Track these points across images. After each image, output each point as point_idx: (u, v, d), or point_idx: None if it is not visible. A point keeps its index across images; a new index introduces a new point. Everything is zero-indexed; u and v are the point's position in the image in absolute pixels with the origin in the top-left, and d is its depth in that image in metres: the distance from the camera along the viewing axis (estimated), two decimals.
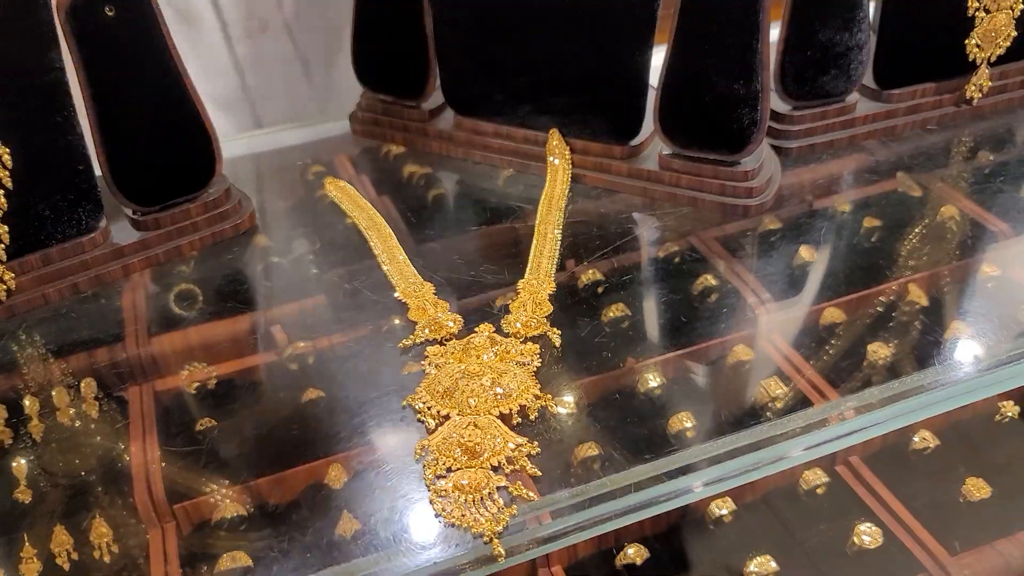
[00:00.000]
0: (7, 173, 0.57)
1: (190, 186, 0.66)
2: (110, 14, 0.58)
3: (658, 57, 0.67)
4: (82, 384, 0.58)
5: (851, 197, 0.71)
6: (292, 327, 0.62)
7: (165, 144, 0.63)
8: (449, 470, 0.47)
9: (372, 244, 0.67)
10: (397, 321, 0.60)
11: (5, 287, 0.60)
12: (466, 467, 0.47)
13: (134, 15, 0.59)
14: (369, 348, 0.59)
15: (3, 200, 0.57)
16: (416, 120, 0.78)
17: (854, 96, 0.75)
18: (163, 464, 0.52)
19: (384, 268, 0.64)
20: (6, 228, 0.58)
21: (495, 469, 0.47)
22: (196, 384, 0.58)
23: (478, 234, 0.69)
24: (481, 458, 0.47)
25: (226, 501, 0.49)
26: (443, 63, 0.74)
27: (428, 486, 0.47)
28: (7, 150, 0.56)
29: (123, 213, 0.66)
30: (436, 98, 0.78)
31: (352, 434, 0.52)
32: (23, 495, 0.53)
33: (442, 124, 0.77)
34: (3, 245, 0.59)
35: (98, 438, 0.56)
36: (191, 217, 0.66)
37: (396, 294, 0.62)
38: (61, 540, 0.49)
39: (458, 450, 0.48)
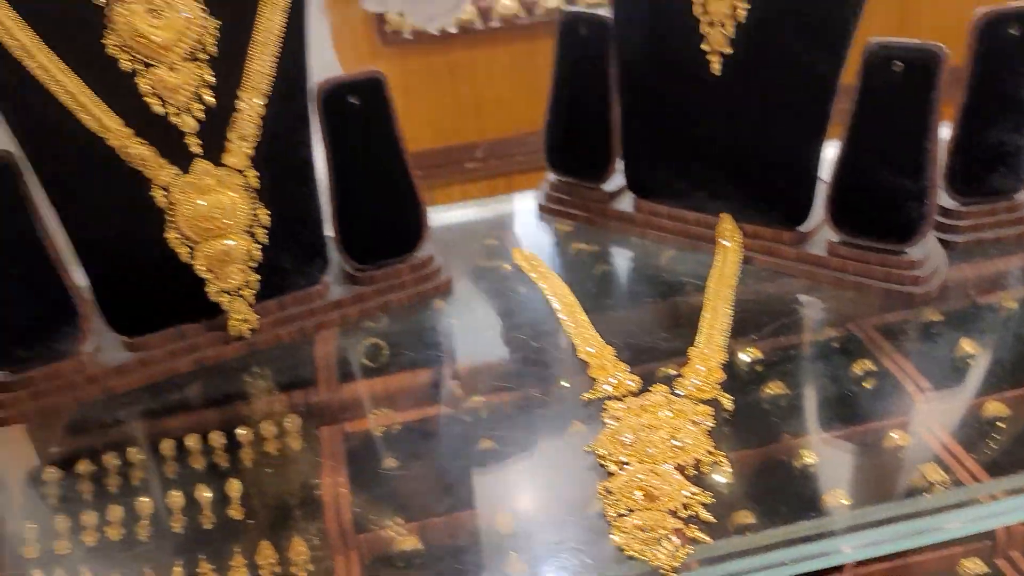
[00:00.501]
0: (264, 231, 0.68)
1: (402, 249, 0.76)
2: (355, 103, 0.70)
3: (829, 149, 0.73)
4: (287, 419, 0.68)
5: (1018, 294, 0.73)
6: (478, 379, 0.69)
7: (387, 212, 0.74)
8: (629, 511, 0.53)
9: (556, 309, 0.75)
10: (578, 378, 0.67)
11: (249, 326, 0.71)
12: (645, 509, 0.53)
13: (373, 103, 0.70)
14: (550, 401, 0.66)
15: (258, 253, 0.69)
16: (596, 200, 0.86)
17: (1023, 194, 0.78)
18: (351, 497, 0.60)
19: (567, 330, 0.72)
20: (257, 277, 0.69)
21: (672, 513, 0.52)
22: (384, 427, 0.66)
23: (652, 305, 0.75)
24: (659, 502, 0.53)
25: (405, 535, 0.56)
26: (628, 151, 0.82)
27: (610, 522, 0.52)
28: (267, 212, 0.68)
29: (344, 269, 0.76)
30: (615, 181, 0.86)
31: (527, 479, 0.59)
32: (236, 512, 0.62)
33: (621, 205, 0.85)
34: (253, 291, 0.70)
35: (297, 468, 0.65)
36: (400, 276, 0.76)
37: (578, 354, 0.69)
38: (266, 555, 0.58)
39: (638, 493, 0.53)
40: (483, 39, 1.83)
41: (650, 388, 0.63)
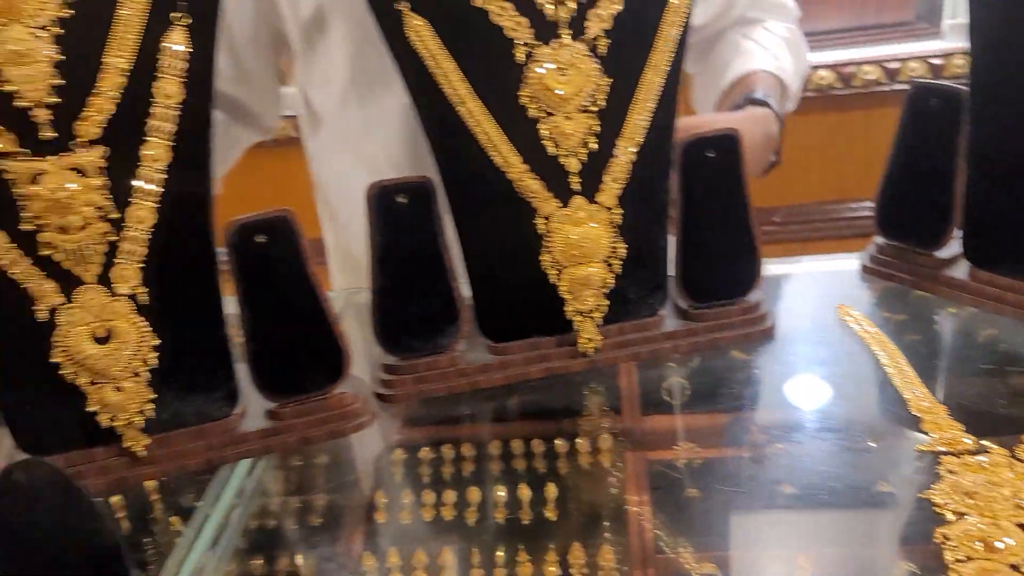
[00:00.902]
0: (619, 262, 0.78)
1: (735, 292, 0.82)
2: (711, 155, 0.78)
3: None
4: (601, 438, 0.75)
5: None
6: (789, 424, 0.73)
7: (726, 256, 0.81)
8: (968, 558, 0.55)
9: (883, 363, 0.77)
10: (903, 430, 0.69)
11: (594, 346, 0.80)
12: (983, 559, 0.54)
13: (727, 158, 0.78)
14: (871, 449, 0.68)
15: (611, 281, 0.78)
16: (927, 266, 0.87)
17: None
18: (652, 518, 0.65)
19: (895, 384, 0.74)
20: (607, 302, 0.79)
21: (1014, 568, 0.53)
22: (686, 460, 0.71)
23: (987, 373, 0.75)
24: (1000, 554, 0.54)
25: (702, 562, 0.60)
26: (971, 222, 0.82)
27: (948, 566, 0.54)
28: (624, 246, 0.77)
29: (678, 305, 0.84)
30: (949, 248, 0.87)
31: (834, 523, 0.61)
32: (551, 513, 0.70)
33: (954, 272, 0.86)
34: (601, 315, 0.79)
35: (605, 483, 0.72)
36: (730, 317, 0.82)
37: (908, 408, 0.71)
38: (577, 555, 0.65)
39: (979, 543, 0.55)
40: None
41: (989, 449, 0.64)
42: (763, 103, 1.05)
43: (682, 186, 0.79)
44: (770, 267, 0.97)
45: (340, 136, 1.05)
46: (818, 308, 0.89)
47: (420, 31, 0.70)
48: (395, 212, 0.75)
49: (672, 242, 0.81)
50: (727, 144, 0.78)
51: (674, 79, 0.75)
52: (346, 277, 1.16)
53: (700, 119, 1.06)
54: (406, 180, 0.76)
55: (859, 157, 1.93)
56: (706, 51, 1.18)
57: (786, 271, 0.98)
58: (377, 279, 0.77)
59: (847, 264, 0.96)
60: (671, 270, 0.82)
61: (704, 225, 0.80)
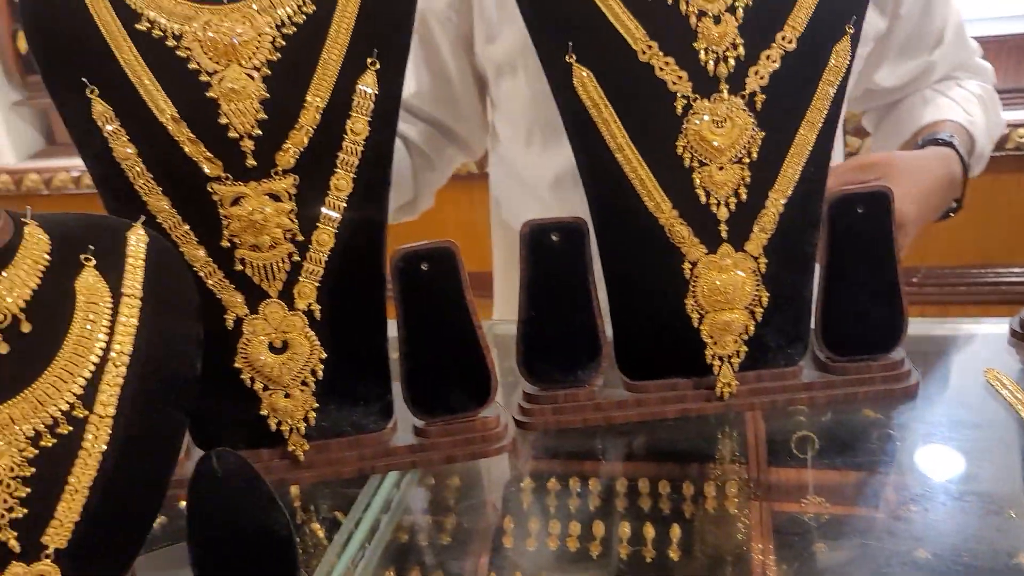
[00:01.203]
0: (761, 310, 0.79)
1: (878, 348, 0.82)
2: (859, 211, 0.79)
3: None
4: (727, 483, 0.76)
5: None
6: (927, 486, 0.72)
7: (872, 309, 0.81)
8: None
9: None
10: None
11: (730, 391, 0.82)
12: None
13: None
14: (1021, 521, 0.67)
15: (752, 328, 0.80)
16: None
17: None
18: (775, 568, 0.65)
19: None
20: (746, 349, 0.80)
21: None
22: (812, 514, 0.71)
23: None
24: None
25: None
26: None
27: None
28: (767, 294, 0.79)
29: (816, 356, 0.84)
30: None
31: None
32: (674, 554, 0.71)
33: None
34: (740, 360, 0.81)
35: (731, 529, 0.73)
36: (870, 372, 0.82)
37: None
38: None
39: None
40: None
41: None
42: (947, 143, 1.04)
43: (829, 240, 0.80)
44: (913, 326, 0.97)
45: (518, 169, 1.12)
46: (962, 371, 0.88)
47: (585, 82, 0.75)
48: (547, 249, 0.80)
49: (816, 293, 0.82)
50: (877, 201, 0.79)
51: (827, 135, 0.77)
52: (507, 304, 1.22)
53: (880, 157, 1.05)
54: (560, 220, 0.80)
55: (1007, 222, 1.87)
56: (893, 106, 1.18)
57: (929, 331, 0.97)
58: (525, 310, 0.82)
59: (993, 328, 0.94)
60: (813, 321, 0.83)
61: (849, 280, 0.81)
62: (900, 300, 0.81)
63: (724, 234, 0.77)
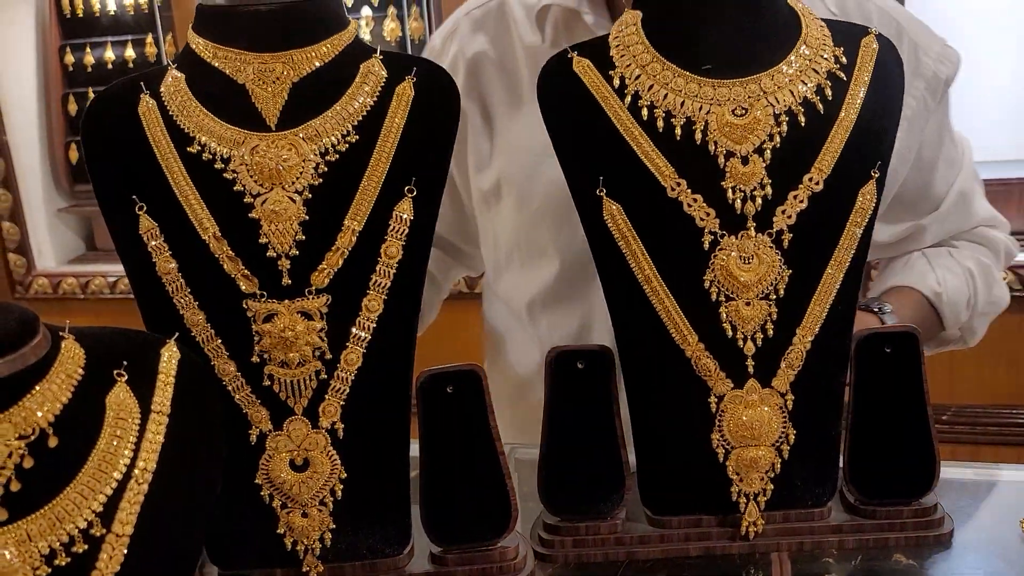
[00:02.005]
0: (788, 448, 0.78)
1: (911, 493, 0.80)
2: (886, 352, 0.79)
3: None
4: None
5: None
6: None
7: (898, 454, 0.80)
8: None
9: None
10: None
11: (756, 530, 0.80)
12: None
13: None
14: None
15: (779, 466, 0.78)
16: None
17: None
18: None
19: None
20: (772, 487, 0.79)
21: None
22: None
23: None
24: None
25: None
26: None
27: None
28: (795, 432, 0.78)
29: (846, 498, 0.82)
30: None
31: None
32: None
33: None
34: (766, 499, 0.79)
35: None
36: (901, 517, 0.80)
37: None
38: None
39: None
40: None
41: None
42: (872, 312, 1.02)
43: (857, 378, 0.80)
44: (946, 470, 0.94)
45: (501, 289, 1.15)
46: (998, 519, 0.85)
47: (615, 215, 0.76)
48: (572, 377, 0.80)
49: (844, 432, 0.81)
50: (905, 341, 0.79)
51: (855, 274, 0.78)
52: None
53: None
54: (586, 347, 0.81)
55: None
56: (888, 262, 1.18)
57: (961, 475, 0.95)
58: (547, 439, 0.81)
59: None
60: (842, 461, 0.82)
61: (878, 420, 0.80)
62: (932, 443, 0.80)
63: (751, 369, 0.77)
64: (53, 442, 0.56)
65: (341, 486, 0.75)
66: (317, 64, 0.74)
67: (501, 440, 0.78)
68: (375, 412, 0.76)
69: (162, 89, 0.75)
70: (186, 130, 0.73)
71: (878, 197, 0.77)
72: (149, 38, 2.25)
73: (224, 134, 0.73)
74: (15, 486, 0.55)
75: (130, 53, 2.28)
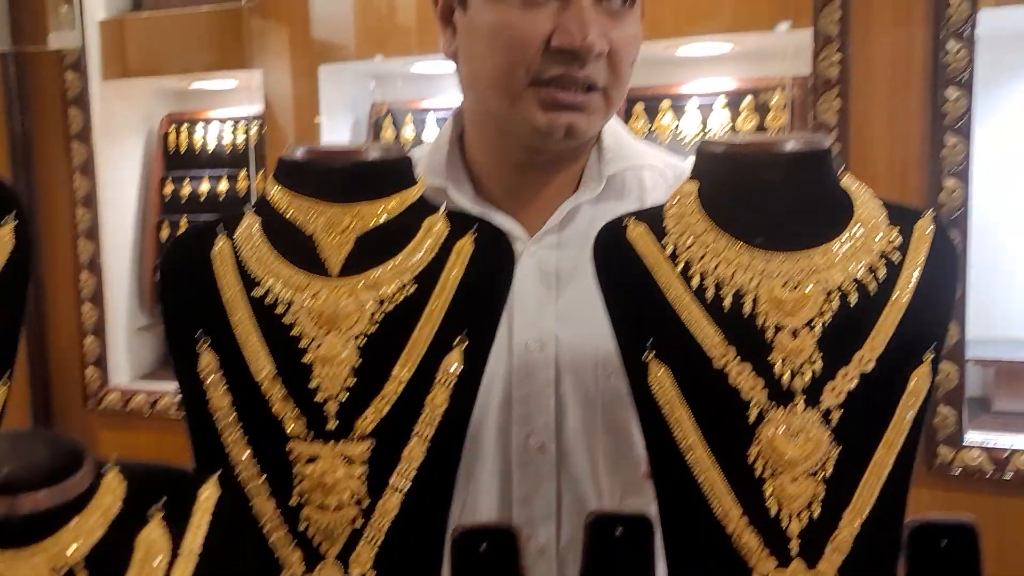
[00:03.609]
0: None
1: None
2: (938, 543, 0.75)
3: None
4: None
5: None
6: None
7: None
8: None
9: None
10: None
11: None
12: None
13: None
14: None
15: None
16: None
17: None
18: None
19: None
20: None
21: None
22: None
23: None
24: None
25: None
26: None
27: None
28: None
29: None
30: None
31: None
32: None
33: None
34: None
35: None
36: None
37: None
38: None
39: None
40: None
41: None
42: None
43: (908, 570, 0.76)
44: None
45: None
46: None
47: (662, 379, 0.76)
48: (612, 543, 0.78)
49: None
50: (963, 535, 0.75)
51: (907, 459, 0.75)
52: None
53: None
54: (627, 513, 0.79)
55: None
56: None
57: None
58: None
59: None
60: None
61: None
62: None
63: (796, 549, 0.74)
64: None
65: None
66: (384, 218, 0.78)
67: None
68: (408, 563, 0.75)
69: (237, 233, 0.80)
70: (253, 274, 0.77)
71: (932, 379, 0.76)
72: (242, 173, 2.40)
73: (290, 278, 0.77)
74: None
75: (223, 187, 2.43)
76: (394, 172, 0.81)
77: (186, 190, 2.44)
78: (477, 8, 0.87)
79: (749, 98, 1.98)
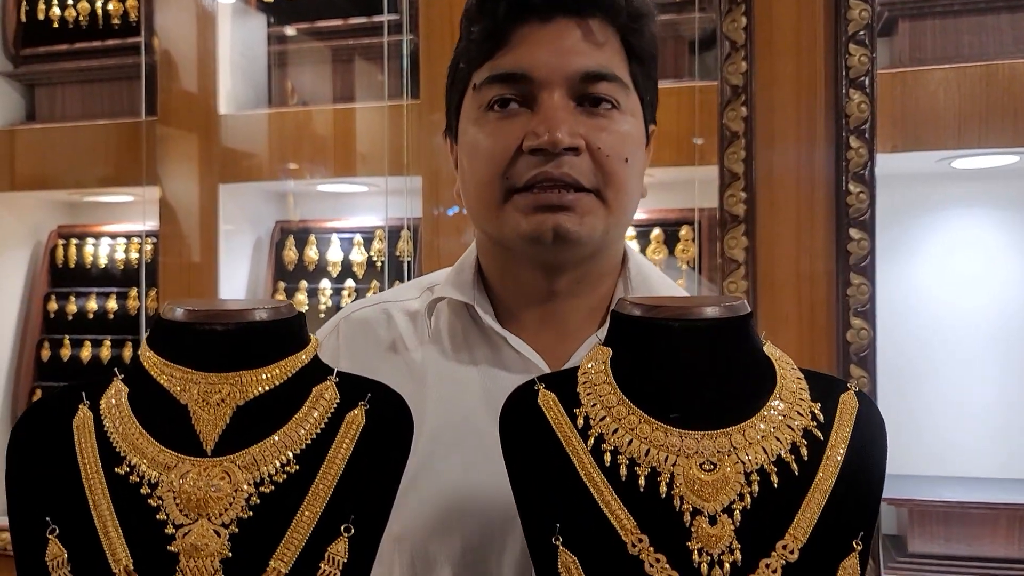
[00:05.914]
0: None
1: None
2: None
3: None
4: None
5: None
6: None
7: None
8: None
9: None
10: None
11: None
12: None
13: None
14: None
15: None
16: None
17: None
18: None
19: None
20: None
21: None
22: None
23: None
24: None
25: None
26: None
27: None
28: None
29: None
30: None
31: None
32: None
33: None
34: None
35: None
36: None
37: None
38: None
39: None
40: None
41: None
42: None
43: None
44: None
45: None
46: None
47: (570, 567, 0.69)
48: None
49: None
50: None
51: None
52: None
53: None
54: None
55: None
56: None
57: None
58: None
59: None
60: None
61: None
62: None
63: None
64: None
65: None
66: (266, 387, 0.71)
67: None
68: None
69: (103, 401, 0.71)
70: (118, 449, 0.69)
71: (862, 572, 0.71)
72: (133, 292, 2.27)
73: (156, 457, 0.68)
74: None
75: (112, 304, 2.29)
76: (284, 333, 0.74)
77: (72, 308, 2.29)
78: (463, 130, 0.89)
79: (658, 230, 2.00)
